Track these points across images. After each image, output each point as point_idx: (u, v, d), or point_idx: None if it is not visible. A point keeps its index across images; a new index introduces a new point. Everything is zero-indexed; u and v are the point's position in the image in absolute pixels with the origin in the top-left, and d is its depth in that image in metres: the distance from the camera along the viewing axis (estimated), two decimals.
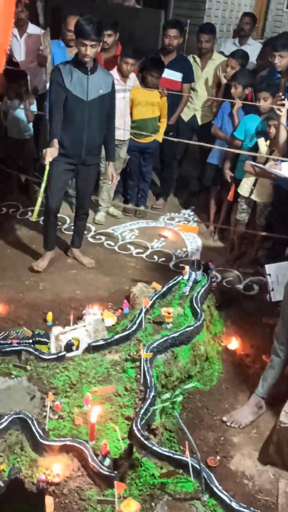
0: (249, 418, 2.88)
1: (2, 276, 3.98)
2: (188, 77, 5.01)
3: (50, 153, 3.47)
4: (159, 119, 4.88)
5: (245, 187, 4.21)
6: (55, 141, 3.52)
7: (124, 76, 4.56)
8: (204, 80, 5.15)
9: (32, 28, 5.08)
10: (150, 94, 4.69)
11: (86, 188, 3.99)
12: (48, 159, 3.47)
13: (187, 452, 2.19)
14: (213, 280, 3.69)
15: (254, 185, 4.14)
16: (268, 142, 4.00)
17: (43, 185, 3.51)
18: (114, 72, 4.54)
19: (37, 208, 3.50)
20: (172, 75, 4.93)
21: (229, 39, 6.42)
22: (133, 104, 4.73)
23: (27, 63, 5.03)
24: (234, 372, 3.25)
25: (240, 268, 4.39)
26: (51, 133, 3.57)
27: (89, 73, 3.52)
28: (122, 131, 4.72)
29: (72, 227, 4.33)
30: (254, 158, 4.00)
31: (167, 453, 2.27)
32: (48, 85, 4.20)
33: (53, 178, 3.79)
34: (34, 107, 4.88)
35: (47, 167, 3.50)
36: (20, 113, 4.86)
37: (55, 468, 2.21)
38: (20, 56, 5.06)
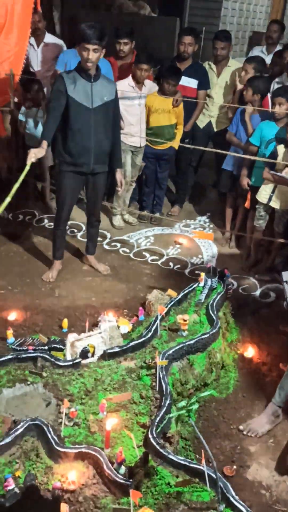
0: (266, 427, 2.85)
1: (19, 283, 4.01)
2: (204, 84, 5.02)
3: (34, 153, 3.45)
4: (176, 126, 4.89)
5: (264, 193, 4.18)
6: (44, 143, 3.51)
7: (139, 83, 4.58)
8: (220, 87, 5.15)
9: (49, 38, 5.15)
10: (167, 102, 4.71)
11: (96, 196, 4.00)
12: (30, 159, 3.44)
13: (203, 461, 2.17)
14: (229, 287, 3.66)
15: (273, 191, 4.11)
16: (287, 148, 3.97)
17: (16, 184, 3.36)
18: (130, 79, 4.58)
19: (4, 204, 3.31)
20: (187, 82, 4.94)
21: (257, 47, 6.39)
22: (150, 111, 4.75)
23: (44, 72, 5.11)
24: (251, 381, 3.22)
25: (257, 275, 4.36)
26: (42, 135, 3.58)
27: (92, 80, 3.54)
28: (138, 138, 4.74)
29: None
30: (271, 165, 3.98)
31: (183, 462, 2.24)
32: None
33: (63, 189, 3.83)
34: None
35: (27, 167, 3.43)
36: (34, 119, 4.91)
37: (70, 475, 2.21)
38: (37, 65, 5.13)
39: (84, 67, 3.48)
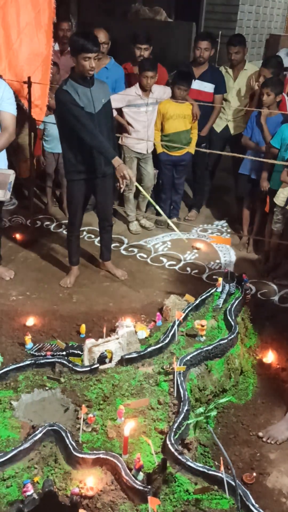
0: (286, 434, 2.80)
1: (37, 289, 4.04)
2: (220, 88, 5.01)
3: (128, 172, 3.47)
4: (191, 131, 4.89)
5: (281, 197, 4.14)
6: (118, 159, 3.48)
7: (145, 90, 4.57)
8: (237, 90, 5.13)
9: None
10: (182, 107, 4.70)
11: (106, 199, 4.00)
12: (131, 177, 3.49)
13: (222, 468, 2.15)
14: (247, 292, 3.63)
15: None
16: None
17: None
18: (137, 87, 4.58)
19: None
20: (204, 86, 4.94)
21: (284, 49, 6.35)
22: (164, 118, 4.74)
23: (60, 80, 5.14)
24: (270, 386, 3.18)
25: (275, 280, 4.31)
26: (109, 154, 3.50)
27: (90, 85, 3.56)
28: (145, 145, 4.75)
29: None
30: None
31: (201, 469, 2.23)
32: None
33: (75, 197, 3.86)
34: None
35: (138, 186, 3.71)
36: (54, 127, 4.95)
37: (88, 481, 2.20)
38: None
39: (84, 75, 3.48)
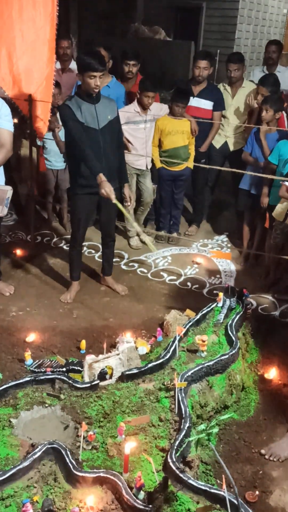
0: None
1: (37, 304, 4.02)
2: (219, 105, 5.06)
3: (110, 190, 3.45)
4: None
5: (280, 212, 4.15)
6: (102, 175, 3.48)
7: (145, 108, 4.64)
8: (235, 107, 5.18)
9: (73, 64, 5.25)
10: (180, 123, 4.75)
11: (109, 215, 4.02)
12: (113, 195, 3.46)
13: (224, 486, 2.12)
14: (248, 307, 3.62)
15: None
16: None
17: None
18: (135, 105, 4.64)
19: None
20: (202, 104, 4.99)
21: (258, 67, 6.46)
22: (163, 133, 4.79)
23: (63, 97, 5.19)
24: (272, 403, 3.15)
25: (276, 295, 4.30)
26: (96, 169, 3.50)
27: (95, 102, 3.60)
28: (144, 161, 4.78)
29: None
30: None
31: (203, 487, 2.19)
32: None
33: (78, 212, 3.87)
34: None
35: (118, 205, 3.51)
36: (54, 144, 5.00)
37: (88, 500, 2.17)
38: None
39: (89, 92, 3.54)
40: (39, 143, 5.00)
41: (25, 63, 4.19)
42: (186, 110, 4.84)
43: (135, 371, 2.91)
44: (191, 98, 4.93)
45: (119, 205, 3.51)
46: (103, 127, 3.65)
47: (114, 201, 3.46)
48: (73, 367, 3.03)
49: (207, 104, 5.01)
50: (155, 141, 4.84)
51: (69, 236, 4.89)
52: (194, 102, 4.96)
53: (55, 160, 5.11)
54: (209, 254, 4.96)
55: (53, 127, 4.86)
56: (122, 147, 3.98)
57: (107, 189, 3.45)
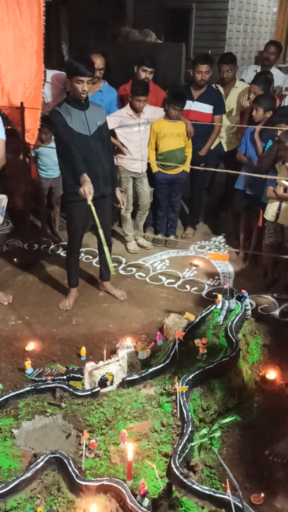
0: None
1: (36, 312, 4.01)
2: (219, 108, 5.02)
3: (89, 191, 3.41)
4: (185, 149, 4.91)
5: (270, 211, 4.17)
6: (86, 175, 3.47)
7: (137, 112, 4.63)
8: (228, 108, 5.17)
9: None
10: (175, 125, 4.74)
11: (106, 220, 3.98)
12: (90, 197, 3.41)
13: (229, 490, 2.10)
14: (247, 307, 3.61)
15: (279, 209, 4.09)
16: (287, 164, 3.98)
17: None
18: (128, 108, 4.63)
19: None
20: (202, 108, 4.96)
21: (251, 66, 6.43)
22: (159, 136, 4.78)
23: (52, 105, 5.19)
24: (275, 403, 3.13)
25: (275, 294, 4.29)
26: (79, 170, 3.50)
27: (84, 108, 3.60)
28: (140, 164, 4.77)
29: None
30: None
31: (207, 492, 2.17)
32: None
33: (75, 219, 3.85)
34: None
35: (92, 207, 3.41)
36: (48, 154, 4.98)
37: (92, 509, 2.15)
38: (46, 98, 5.22)
39: (77, 97, 3.54)
40: (33, 153, 5.00)
41: (13, 74, 4.20)
42: (187, 114, 4.84)
43: (136, 376, 2.90)
44: (191, 102, 4.91)
45: (93, 208, 3.44)
46: (94, 133, 3.65)
47: (89, 202, 3.41)
48: (73, 374, 3.02)
49: (207, 108, 4.97)
50: (152, 144, 4.83)
51: (65, 243, 4.89)
52: (194, 106, 4.94)
53: (51, 169, 5.09)
54: (207, 256, 4.95)
55: (44, 139, 4.87)
56: (111, 152, 3.98)
57: (86, 189, 3.40)
